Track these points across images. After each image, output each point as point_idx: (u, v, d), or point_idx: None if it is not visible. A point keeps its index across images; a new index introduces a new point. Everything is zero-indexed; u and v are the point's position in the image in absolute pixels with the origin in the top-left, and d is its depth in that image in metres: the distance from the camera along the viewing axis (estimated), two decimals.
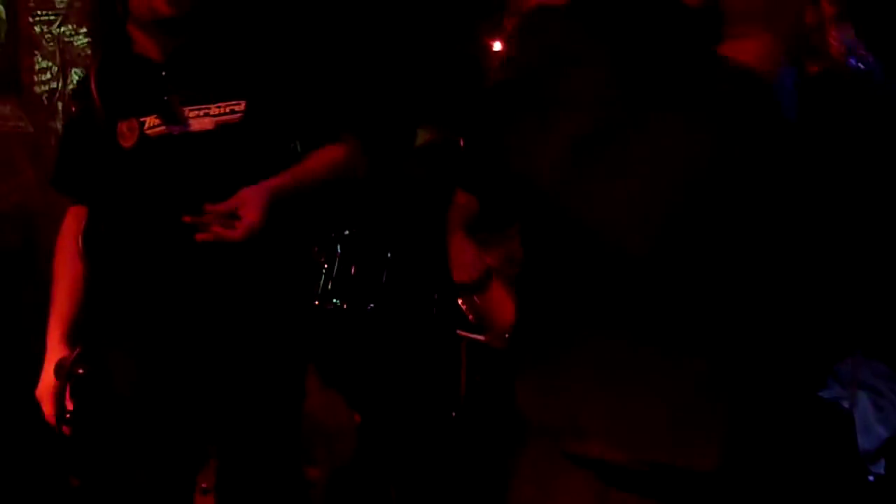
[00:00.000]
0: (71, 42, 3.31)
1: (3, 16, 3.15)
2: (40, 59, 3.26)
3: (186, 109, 1.84)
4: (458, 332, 2.57)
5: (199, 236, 1.73)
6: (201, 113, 1.85)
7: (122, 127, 1.86)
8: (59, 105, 3.31)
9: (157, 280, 1.88)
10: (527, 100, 0.98)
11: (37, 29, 3.24)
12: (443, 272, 2.77)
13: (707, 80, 0.91)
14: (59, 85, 3.30)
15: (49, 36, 3.27)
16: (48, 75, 3.28)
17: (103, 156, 1.90)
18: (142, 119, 1.86)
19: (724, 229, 0.92)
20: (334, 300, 3.06)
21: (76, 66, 3.32)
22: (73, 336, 1.96)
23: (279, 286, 1.96)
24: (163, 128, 1.85)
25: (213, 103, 1.85)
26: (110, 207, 1.94)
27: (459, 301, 2.42)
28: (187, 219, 1.72)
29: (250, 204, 1.76)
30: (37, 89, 3.25)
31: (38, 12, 3.25)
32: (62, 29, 3.29)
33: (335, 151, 1.94)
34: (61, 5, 3.29)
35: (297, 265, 2.08)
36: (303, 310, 2.20)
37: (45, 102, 3.28)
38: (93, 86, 1.86)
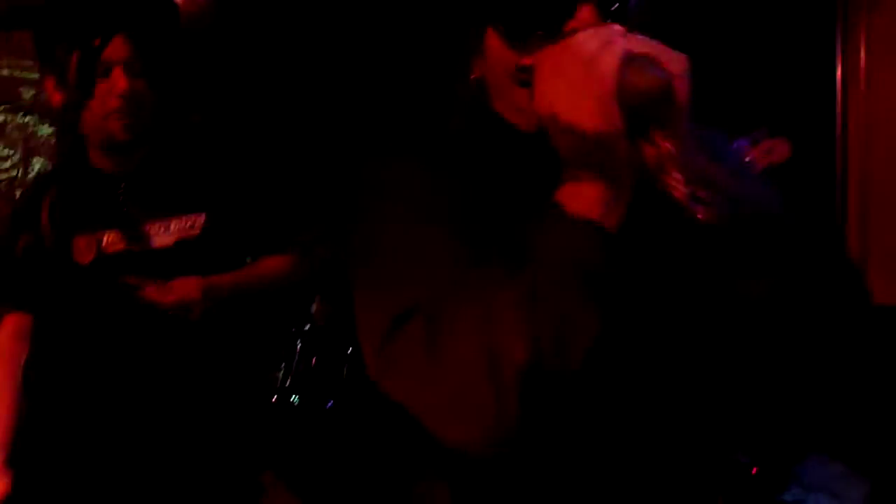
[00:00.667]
0: (34, 132, 3.32)
1: None
2: (2, 147, 3.26)
3: (147, 224, 1.84)
4: None
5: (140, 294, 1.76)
6: (161, 228, 1.84)
7: (80, 243, 1.85)
8: (18, 193, 3.29)
9: (110, 384, 1.86)
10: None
11: (1, 118, 3.25)
12: None
13: (542, 236, 0.86)
14: (19, 173, 3.29)
15: (13, 125, 3.28)
16: (8, 163, 3.28)
17: (55, 271, 1.88)
18: (99, 235, 1.85)
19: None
20: (293, 397, 3.00)
21: (38, 156, 3.33)
22: (9, 459, 1.88)
23: (234, 384, 1.96)
24: (122, 245, 1.84)
25: (174, 216, 1.84)
26: (61, 319, 1.92)
27: None
28: (129, 280, 1.77)
29: (184, 281, 1.80)
30: None
31: (4, 103, 3.27)
32: (26, 119, 3.31)
33: (279, 261, 1.95)
34: (27, 96, 3.31)
35: (252, 363, 2.06)
36: (260, 407, 2.17)
37: (5, 190, 3.27)
38: (44, 213, 1.85)
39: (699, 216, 0.85)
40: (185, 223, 1.84)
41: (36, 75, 3.32)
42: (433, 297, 0.88)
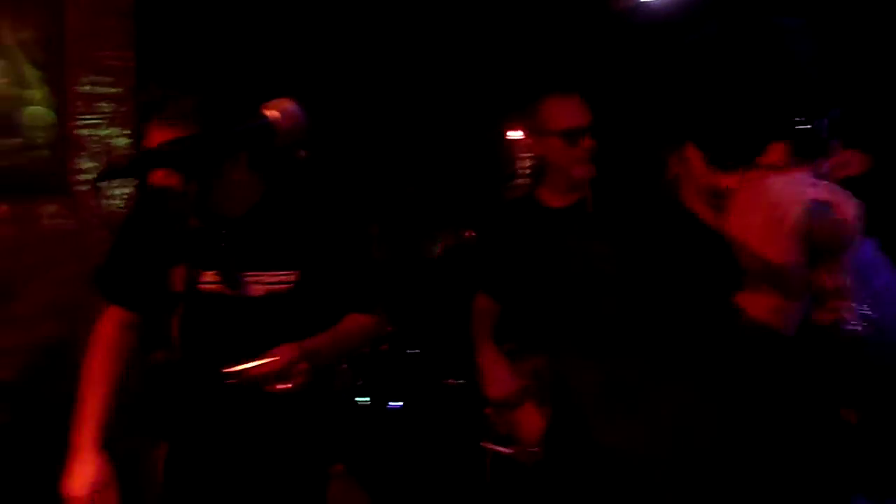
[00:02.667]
0: (114, 143, 3.47)
1: (53, 121, 3.31)
2: (86, 160, 3.41)
3: (244, 272, 1.95)
4: (483, 444, 2.65)
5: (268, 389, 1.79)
6: (254, 279, 1.96)
7: (179, 272, 1.97)
8: (101, 202, 3.45)
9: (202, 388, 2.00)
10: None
11: (83, 132, 3.40)
12: (468, 375, 2.84)
13: (726, 334, 1.02)
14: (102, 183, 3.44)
15: (95, 139, 3.43)
16: (92, 175, 3.42)
17: (154, 286, 2.00)
18: (199, 271, 1.97)
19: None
20: (359, 398, 3.16)
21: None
22: (104, 438, 2.03)
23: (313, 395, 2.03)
24: (217, 286, 1.96)
25: (268, 271, 1.96)
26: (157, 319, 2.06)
27: (487, 412, 2.52)
28: (230, 379, 1.78)
29: (284, 348, 1.80)
30: (80, 188, 3.39)
31: (85, 116, 3.41)
32: (107, 132, 3.45)
33: (365, 320, 2.06)
34: (107, 110, 3.45)
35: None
36: (334, 408, 2.29)
37: (88, 201, 3.42)
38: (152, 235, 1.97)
39: (848, 335, 1.03)
40: (278, 277, 1.97)
41: (114, 90, 3.48)
42: None
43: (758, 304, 1.01)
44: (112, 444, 2.04)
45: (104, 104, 3.44)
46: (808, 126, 1.05)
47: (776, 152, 1.06)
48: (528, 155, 5.58)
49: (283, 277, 1.97)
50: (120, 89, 3.47)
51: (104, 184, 1.66)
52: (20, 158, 3.25)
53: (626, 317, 1.12)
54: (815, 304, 1.04)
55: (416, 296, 3.63)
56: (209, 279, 1.98)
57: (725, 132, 1.07)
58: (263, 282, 1.97)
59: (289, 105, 1.67)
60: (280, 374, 1.77)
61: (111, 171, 1.74)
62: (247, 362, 1.76)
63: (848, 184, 1.06)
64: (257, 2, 4.54)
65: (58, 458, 2.07)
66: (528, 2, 4.70)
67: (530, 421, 2.50)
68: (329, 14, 4.74)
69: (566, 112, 2.56)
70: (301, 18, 4.70)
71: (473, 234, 2.74)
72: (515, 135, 5.68)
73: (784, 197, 0.98)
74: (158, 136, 1.77)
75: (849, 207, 1.00)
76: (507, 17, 4.84)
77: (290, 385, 1.78)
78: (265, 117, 1.63)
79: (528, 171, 5.69)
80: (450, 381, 3.41)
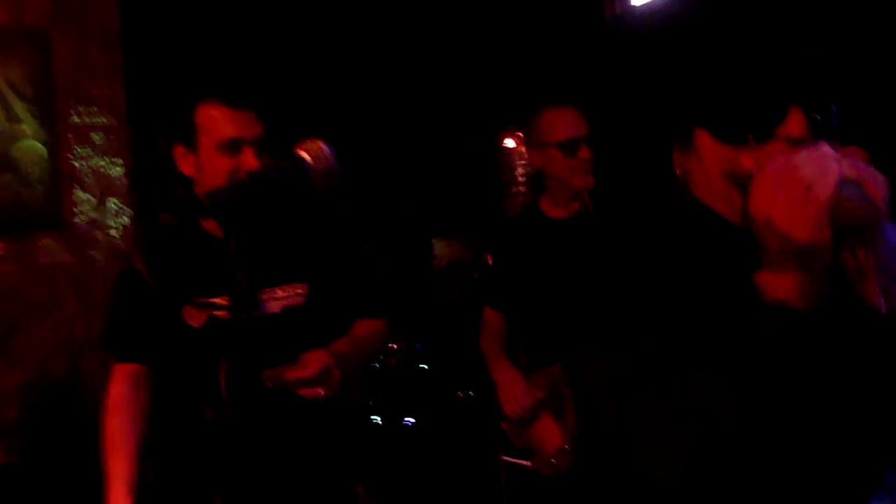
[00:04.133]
0: (107, 174, 3.43)
1: (46, 155, 3.27)
2: (80, 192, 3.37)
3: (256, 292, 1.90)
4: (502, 456, 2.63)
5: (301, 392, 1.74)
6: (268, 297, 1.92)
7: (191, 307, 1.91)
8: (98, 235, 3.42)
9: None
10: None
11: (76, 164, 3.36)
12: (479, 387, 2.80)
13: (746, 316, 0.99)
14: (98, 216, 3.41)
15: (87, 170, 3.39)
16: (87, 207, 3.38)
17: (165, 329, 1.94)
18: (210, 300, 1.91)
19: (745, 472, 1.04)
20: (373, 417, 3.14)
21: (112, 196, 3.44)
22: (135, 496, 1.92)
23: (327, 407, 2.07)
24: (230, 312, 1.88)
25: (278, 286, 1.93)
26: (172, 373, 1.99)
27: (503, 426, 2.49)
28: (268, 383, 1.71)
29: (313, 354, 1.76)
30: (77, 220, 3.35)
31: (77, 148, 3.37)
32: (99, 162, 3.42)
33: (375, 324, 2.05)
34: (98, 141, 3.42)
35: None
36: (351, 429, 2.26)
37: (86, 233, 3.39)
38: (144, 273, 1.89)
39: (881, 310, 1.00)
40: (291, 291, 1.94)
41: (104, 120, 3.45)
42: None
43: (778, 285, 0.99)
44: None
45: (95, 135, 3.41)
46: (824, 97, 1.04)
47: (795, 121, 1.03)
48: (523, 163, 5.57)
49: (295, 291, 1.94)
50: (111, 119, 3.44)
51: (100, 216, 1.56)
52: (14, 194, 3.21)
53: (636, 320, 1.10)
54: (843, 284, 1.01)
55: (422, 309, 3.60)
56: (222, 305, 1.91)
57: (741, 103, 1.04)
58: (278, 297, 1.93)
59: (320, 146, 1.52)
60: (316, 379, 1.72)
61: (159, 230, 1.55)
62: (285, 368, 1.71)
63: None
64: (242, 24, 4.52)
65: (62, 498, 2.02)
66: (520, 12, 4.69)
67: (547, 433, 2.47)
68: (322, 23, 4.71)
69: (563, 123, 2.55)
70: (292, 32, 4.68)
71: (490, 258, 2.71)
72: (510, 143, 5.67)
73: (811, 174, 0.95)
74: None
75: (878, 185, 0.97)
76: (501, 27, 4.84)
77: (325, 392, 1.73)
78: (302, 160, 1.48)
79: (523, 180, 5.68)
80: (459, 393, 3.39)
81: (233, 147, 1.83)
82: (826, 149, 0.98)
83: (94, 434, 1.99)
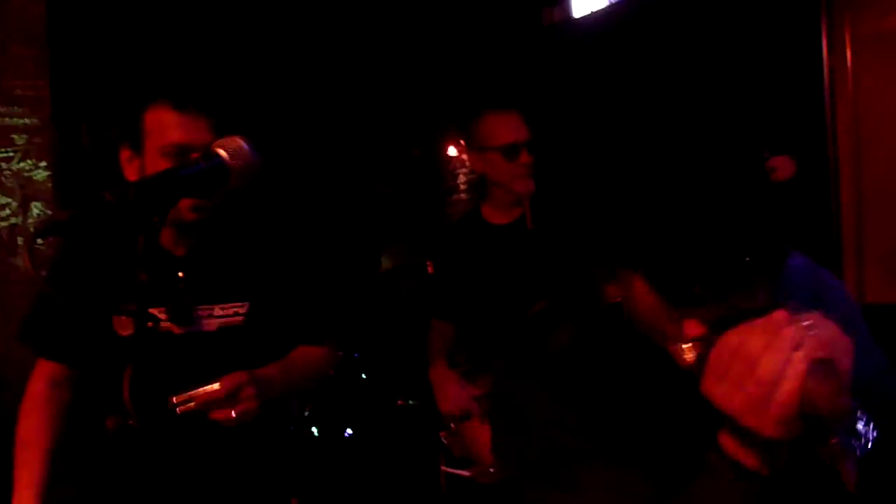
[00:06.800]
0: (30, 177, 3.29)
1: None
2: (1, 196, 3.22)
3: (195, 308, 1.83)
4: (442, 467, 2.57)
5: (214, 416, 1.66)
6: (206, 313, 1.85)
7: (122, 316, 1.82)
8: (20, 240, 3.27)
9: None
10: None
11: None
12: (423, 400, 2.75)
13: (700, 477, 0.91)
14: (20, 220, 3.26)
15: (8, 172, 3.24)
16: (7, 211, 3.24)
17: (92, 335, 1.85)
18: (146, 311, 1.77)
19: None
20: (311, 428, 3.05)
21: (36, 201, 3.30)
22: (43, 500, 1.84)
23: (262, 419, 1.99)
24: (167, 324, 1.83)
25: (219, 304, 1.86)
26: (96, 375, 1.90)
27: (442, 436, 2.44)
28: (175, 400, 1.64)
29: (233, 376, 1.69)
30: None
31: None
32: (21, 165, 3.27)
33: (317, 352, 1.98)
34: (20, 142, 3.27)
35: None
36: (285, 441, 2.20)
37: (6, 238, 3.23)
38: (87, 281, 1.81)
39: (851, 489, 0.82)
40: (230, 310, 1.87)
41: (28, 121, 3.30)
42: None
43: (737, 449, 0.87)
44: None
45: (17, 136, 3.26)
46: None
47: (762, 293, 0.87)
48: (465, 171, 5.54)
49: (234, 310, 1.87)
50: (35, 120, 3.30)
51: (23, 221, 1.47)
52: None
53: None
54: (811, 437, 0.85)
55: (365, 317, 3.53)
56: (157, 317, 1.83)
57: (693, 262, 0.85)
58: (215, 315, 1.86)
59: (239, 143, 1.43)
60: (226, 399, 1.64)
61: (52, 227, 1.36)
62: (194, 389, 1.63)
63: (778, 188, 0.92)
64: (179, 23, 4.40)
65: None
66: (459, 18, 4.67)
67: (485, 440, 2.42)
68: (259, 26, 4.63)
69: (505, 127, 2.51)
70: (231, 35, 4.58)
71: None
72: (452, 151, 5.63)
73: (774, 367, 0.80)
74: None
75: (841, 351, 0.82)
76: (440, 32, 4.81)
77: (236, 412, 1.65)
78: (218, 157, 1.39)
79: (465, 187, 5.65)
80: (399, 402, 3.32)
81: (179, 154, 1.71)
82: (782, 320, 0.82)
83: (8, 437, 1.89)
